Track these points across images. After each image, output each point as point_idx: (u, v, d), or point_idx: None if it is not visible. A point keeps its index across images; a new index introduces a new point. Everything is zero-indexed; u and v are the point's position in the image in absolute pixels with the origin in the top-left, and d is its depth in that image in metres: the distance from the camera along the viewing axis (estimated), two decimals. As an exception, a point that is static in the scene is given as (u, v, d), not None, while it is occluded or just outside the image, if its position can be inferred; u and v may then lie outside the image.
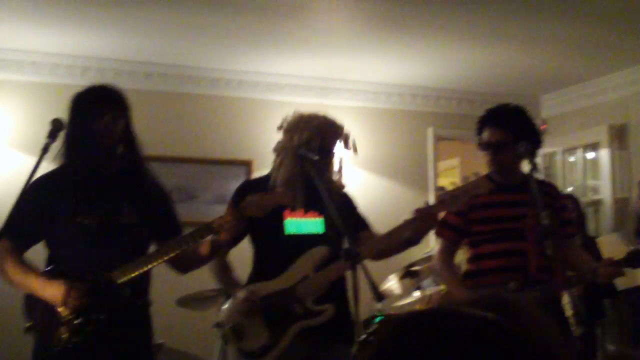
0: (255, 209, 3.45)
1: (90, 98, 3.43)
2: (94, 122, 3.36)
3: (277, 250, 3.83)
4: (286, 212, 3.80)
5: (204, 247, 3.53)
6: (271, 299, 3.68)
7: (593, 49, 6.71)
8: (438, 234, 4.29)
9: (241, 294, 3.69)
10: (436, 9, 5.72)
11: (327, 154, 3.84)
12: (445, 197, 3.73)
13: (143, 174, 3.55)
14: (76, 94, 3.49)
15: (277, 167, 3.92)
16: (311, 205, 3.80)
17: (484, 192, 3.73)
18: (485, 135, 4.11)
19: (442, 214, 4.09)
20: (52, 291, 3.24)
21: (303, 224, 3.84)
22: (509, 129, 4.04)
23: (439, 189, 3.61)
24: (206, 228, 3.42)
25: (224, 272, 3.87)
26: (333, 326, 3.65)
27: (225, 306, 3.89)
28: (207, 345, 5.91)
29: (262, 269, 3.86)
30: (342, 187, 4.02)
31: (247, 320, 3.69)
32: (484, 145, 4.11)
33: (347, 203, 4.01)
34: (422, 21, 5.97)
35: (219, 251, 3.57)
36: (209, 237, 3.48)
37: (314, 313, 3.66)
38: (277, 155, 3.95)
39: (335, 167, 3.96)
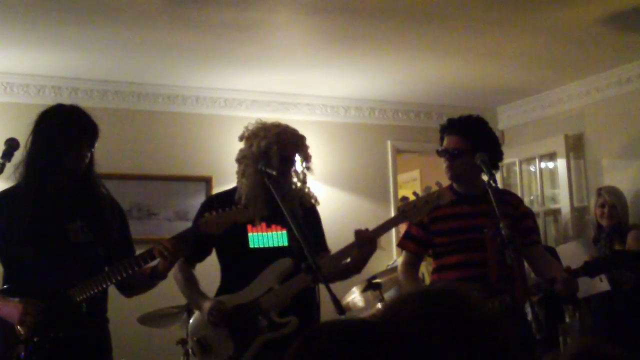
0: (214, 226, 3.45)
1: (67, 124, 3.36)
2: (65, 152, 3.31)
3: (242, 264, 3.83)
4: (249, 227, 3.80)
5: (144, 273, 3.50)
6: (236, 311, 3.67)
7: (548, 61, 6.80)
8: (401, 246, 4.30)
9: (207, 305, 3.69)
10: (392, 24, 5.76)
11: (286, 162, 3.85)
12: (406, 208, 3.74)
13: (99, 193, 3.52)
14: (48, 113, 3.42)
15: (240, 178, 3.93)
16: (274, 218, 3.80)
17: (446, 202, 3.74)
18: (445, 142, 4.14)
19: (403, 226, 4.09)
20: (9, 309, 3.20)
21: (267, 237, 3.84)
22: (467, 137, 4.06)
23: (402, 198, 3.62)
24: (147, 254, 3.40)
25: (190, 285, 3.87)
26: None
27: (192, 319, 3.89)
28: (170, 364, 5.85)
29: (229, 283, 3.87)
30: (313, 198, 4.02)
31: (213, 333, 3.70)
32: (442, 152, 4.14)
33: (312, 218, 4.00)
34: (378, 36, 6.01)
35: (158, 278, 3.53)
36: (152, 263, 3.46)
37: (278, 325, 3.66)
38: (239, 165, 3.96)
39: (300, 178, 3.96)
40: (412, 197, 3.78)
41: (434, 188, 3.75)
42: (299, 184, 3.94)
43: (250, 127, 3.96)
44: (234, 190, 3.95)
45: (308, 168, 3.96)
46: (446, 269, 4.08)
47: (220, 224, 3.46)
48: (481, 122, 4.19)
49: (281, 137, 3.85)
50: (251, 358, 3.65)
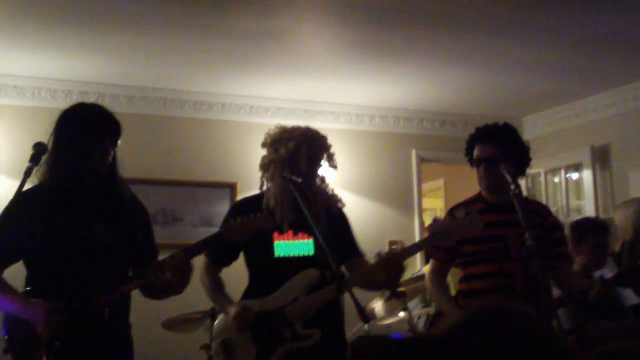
0: (237, 233, 3.43)
1: (89, 122, 3.33)
2: (87, 150, 3.30)
3: (267, 273, 3.82)
4: (275, 234, 3.79)
5: (164, 281, 3.47)
6: (261, 318, 3.67)
7: (575, 72, 6.76)
8: (429, 255, 4.28)
9: (233, 310, 3.69)
10: (418, 33, 5.75)
11: (314, 163, 3.85)
12: (437, 231, 3.72)
13: (122, 195, 3.51)
14: (69, 112, 3.40)
15: (266, 184, 3.93)
16: (301, 225, 3.78)
17: (478, 230, 3.72)
18: (476, 151, 4.11)
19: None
20: (32, 310, 3.19)
21: (292, 246, 3.82)
22: (500, 145, 4.03)
23: (435, 220, 3.60)
24: (160, 264, 3.36)
25: (216, 288, 3.87)
26: (324, 350, 3.64)
27: (217, 321, 3.90)
28: (193, 369, 5.86)
29: (255, 288, 3.86)
30: (339, 201, 4.00)
31: (237, 336, 3.69)
32: (476, 162, 4.10)
33: (340, 224, 3.98)
34: (403, 45, 6.00)
35: (169, 290, 3.50)
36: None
37: (301, 336, 3.65)
38: (264, 172, 3.95)
39: (327, 183, 3.96)
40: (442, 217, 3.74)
41: (441, 216, 3.72)
42: (323, 186, 3.93)
43: (272, 133, 3.96)
44: (261, 195, 3.94)
45: (333, 167, 3.95)
46: (474, 278, 4.05)
47: (244, 230, 3.44)
48: (512, 129, 4.15)
49: (307, 137, 3.85)
50: None
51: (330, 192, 3.97)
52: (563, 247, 4.22)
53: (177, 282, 3.40)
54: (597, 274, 4.71)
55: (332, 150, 3.95)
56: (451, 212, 4.10)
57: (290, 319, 3.65)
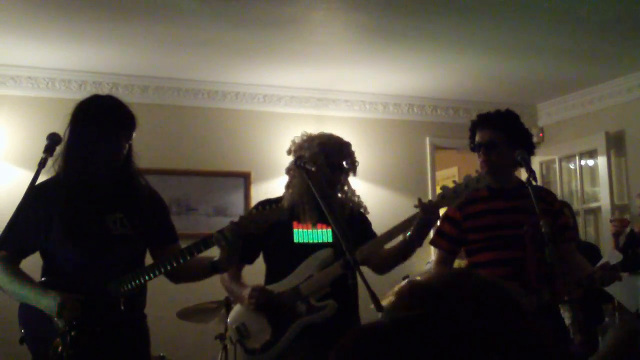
0: (254, 224, 3.44)
1: (104, 115, 3.34)
2: (102, 143, 3.32)
3: (286, 258, 3.87)
4: (294, 223, 3.86)
5: (203, 264, 3.51)
6: (276, 298, 3.73)
7: (589, 57, 6.73)
8: (434, 244, 4.27)
9: (248, 290, 3.76)
10: (431, 19, 5.74)
11: (335, 170, 3.88)
12: (447, 192, 3.74)
13: (138, 185, 3.53)
14: (85, 104, 3.41)
15: (287, 187, 4.00)
16: (320, 219, 3.84)
17: (486, 185, 3.74)
18: (477, 137, 4.11)
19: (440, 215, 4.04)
20: (48, 302, 3.21)
21: (312, 234, 3.89)
22: (499, 129, 4.03)
23: (443, 187, 3.63)
24: (203, 242, 3.38)
25: (234, 280, 3.91)
26: (339, 329, 3.65)
27: (232, 311, 3.98)
28: (209, 358, 5.89)
29: (273, 277, 3.91)
30: (363, 207, 4.04)
31: (252, 320, 3.76)
32: (476, 147, 4.10)
33: (363, 226, 4.03)
34: (417, 31, 5.99)
35: (218, 270, 3.54)
36: (208, 254, 3.45)
37: (316, 309, 3.70)
38: (288, 176, 4.03)
39: (350, 187, 4.00)
40: (451, 185, 3.78)
41: (473, 175, 3.74)
42: (348, 194, 3.98)
43: (297, 141, 4.00)
44: (281, 198, 4.00)
45: (353, 173, 3.99)
46: (480, 266, 4.03)
47: (260, 221, 3.45)
48: (512, 114, 4.14)
49: (325, 147, 3.88)
50: (288, 342, 3.71)
51: (356, 200, 4.02)
52: (570, 232, 4.22)
53: (227, 259, 3.43)
54: (602, 261, 4.71)
55: (355, 157, 4.00)
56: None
57: (305, 294, 3.72)
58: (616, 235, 6.23)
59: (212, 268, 3.48)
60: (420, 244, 3.85)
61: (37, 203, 3.33)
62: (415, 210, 3.74)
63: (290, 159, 4.01)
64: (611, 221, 6.34)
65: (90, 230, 3.35)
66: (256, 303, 3.73)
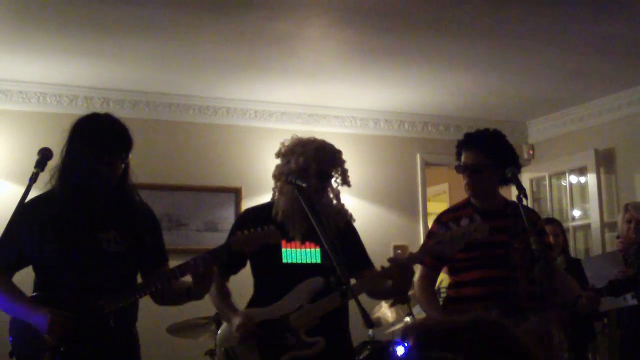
0: (244, 245, 3.43)
1: (102, 136, 3.34)
2: (99, 162, 3.31)
3: (274, 279, 3.80)
4: (283, 242, 3.76)
5: (181, 290, 3.46)
6: (265, 326, 3.66)
7: (579, 75, 6.76)
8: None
9: (237, 319, 3.67)
10: (422, 37, 5.75)
11: (325, 179, 3.80)
12: (443, 239, 3.66)
13: (132, 203, 3.53)
14: (82, 122, 3.40)
15: (277, 194, 3.89)
16: (309, 236, 3.75)
17: (484, 236, 3.64)
18: (463, 157, 4.09)
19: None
20: (38, 318, 3.21)
21: (300, 253, 3.80)
22: (485, 152, 4.00)
23: (439, 226, 3.55)
24: (179, 269, 3.37)
25: (222, 297, 3.85)
26: (329, 357, 3.63)
27: (220, 330, 3.88)
28: (198, 374, 5.87)
29: (260, 297, 3.84)
30: (349, 216, 3.96)
31: (241, 345, 3.67)
32: (462, 168, 4.09)
33: (350, 236, 3.95)
34: (408, 48, 6.01)
35: (194, 298, 3.50)
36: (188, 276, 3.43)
37: (305, 344, 3.64)
38: (276, 181, 3.91)
39: (336, 195, 3.89)
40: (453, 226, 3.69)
41: (464, 221, 3.65)
42: (334, 201, 3.88)
43: (287, 144, 3.89)
44: (270, 204, 3.90)
45: (346, 183, 3.89)
46: (465, 285, 4.01)
47: (250, 243, 3.43)
48: (499, 135, 4.10)
49: (319, 153, 3.79)
50: None
51: (341, 208, 3.91)
52: (551, 252, 4.23)
53: (198, 288, 3.41)
54: (605, 273, 4.71)
55: (345, 166, 3.90)
56: (439, 219, 4.10)
57: (295, 326, 3.64)
58: (623, 251, 6.20)
59: (188, 295, 3.47)
60: (404, 294, 3.78)
61: (31, 218, 3.33)
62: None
63: (278, 162, 3.91)
64: (617, 237, 6.31)
65: (84, 247, 3.34)
66: (243, 337, 3.64)
